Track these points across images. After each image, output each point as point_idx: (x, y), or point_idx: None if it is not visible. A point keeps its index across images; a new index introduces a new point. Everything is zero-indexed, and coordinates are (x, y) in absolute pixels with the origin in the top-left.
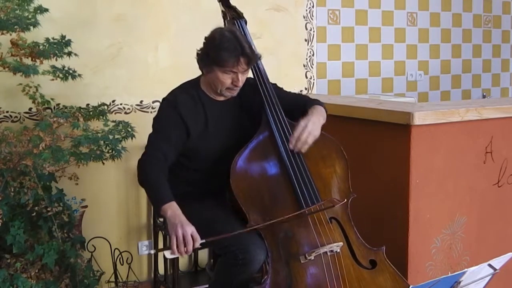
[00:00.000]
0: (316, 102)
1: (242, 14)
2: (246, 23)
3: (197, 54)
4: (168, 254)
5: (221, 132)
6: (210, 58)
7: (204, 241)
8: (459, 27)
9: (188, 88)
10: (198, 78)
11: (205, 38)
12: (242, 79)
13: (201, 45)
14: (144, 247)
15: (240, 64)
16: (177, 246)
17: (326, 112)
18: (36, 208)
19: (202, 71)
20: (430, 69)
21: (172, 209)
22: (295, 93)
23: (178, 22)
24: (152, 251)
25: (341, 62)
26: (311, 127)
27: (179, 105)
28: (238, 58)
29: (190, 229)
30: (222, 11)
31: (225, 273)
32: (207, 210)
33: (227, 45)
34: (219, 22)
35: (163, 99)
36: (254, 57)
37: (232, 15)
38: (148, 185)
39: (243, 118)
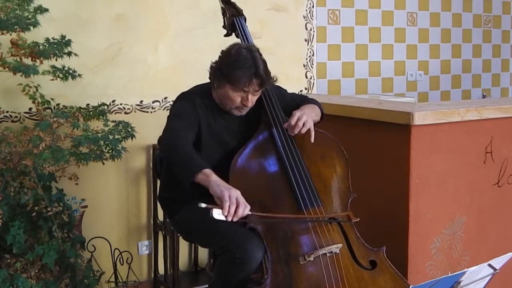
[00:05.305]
0: (313, 101)
1: (241, 11)
2: (245, 20)
3: (211, 67)
4: (216, 213)
5: (225, 141)
6: (223, 74)
7: (250, 213)
8: (459, 27)
9: (201, 94)
10: (209, 86)
11: (221, 52)
12: (252, 99)
13: (216, 58)
14: (144, 247)
15: (251, 85)
16: (229, 207)
17: (322, 112)
18: (36, 208)
19: (213, 85)
20: (430, 69)
21: (214, 174)
22: (296, 95)
23: (178, 22)
24: (203, 205)
25: (341, 62)
26: (305, 117)
27: (197, 106)
28: (251, 78)
29: (239, 194)
30: (222, 7)
31: (224, 272)
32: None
33: (241, 64)
34: (219, 22)
35: (179, 98)
36: (267, 79)
37: (232, 12)
38: (182, 152)
39: (248, 132)
